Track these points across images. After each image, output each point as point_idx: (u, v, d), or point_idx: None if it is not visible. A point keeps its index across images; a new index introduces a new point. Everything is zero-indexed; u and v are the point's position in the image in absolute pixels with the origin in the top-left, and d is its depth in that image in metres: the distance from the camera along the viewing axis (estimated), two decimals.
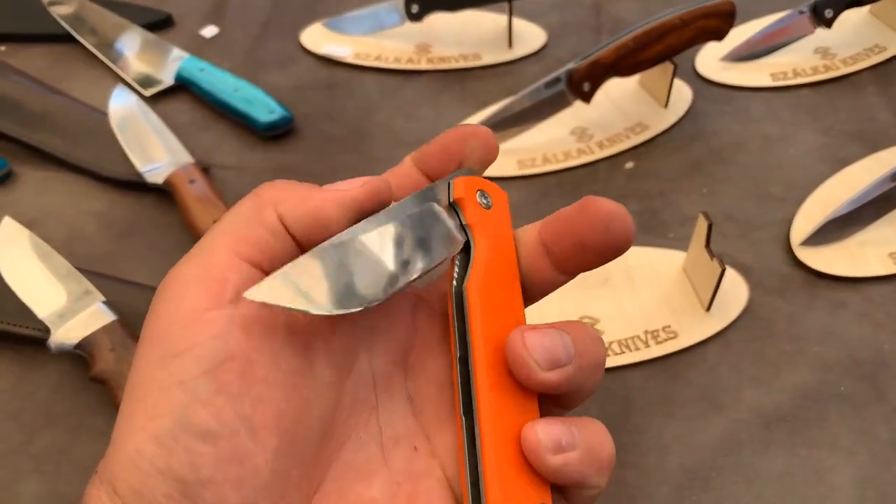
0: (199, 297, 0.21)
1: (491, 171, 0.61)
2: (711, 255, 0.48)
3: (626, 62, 0.60)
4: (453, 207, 0.26)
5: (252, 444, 0.20)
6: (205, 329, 0.20)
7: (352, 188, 0.24)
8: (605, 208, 0.24)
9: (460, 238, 0.26)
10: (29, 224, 0.55)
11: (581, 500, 0.23)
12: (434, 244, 0.25)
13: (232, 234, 0.22)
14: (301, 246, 0.23)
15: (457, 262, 0.26)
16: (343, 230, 0.23)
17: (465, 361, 0.24)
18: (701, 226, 0.49)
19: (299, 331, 0.22)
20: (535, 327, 0.24)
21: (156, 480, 0.20)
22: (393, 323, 0.26)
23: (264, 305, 0.21)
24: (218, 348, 0.20)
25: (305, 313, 0.21)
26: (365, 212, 0.24)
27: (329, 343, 0.23)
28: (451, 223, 0.26)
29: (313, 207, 0.23)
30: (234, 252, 0.22)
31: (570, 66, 0.60)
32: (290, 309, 0.21)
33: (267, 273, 0.22)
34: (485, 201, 0.27)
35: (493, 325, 0.24)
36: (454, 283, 0.25)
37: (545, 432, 0.22)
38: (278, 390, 0.21)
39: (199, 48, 0.74)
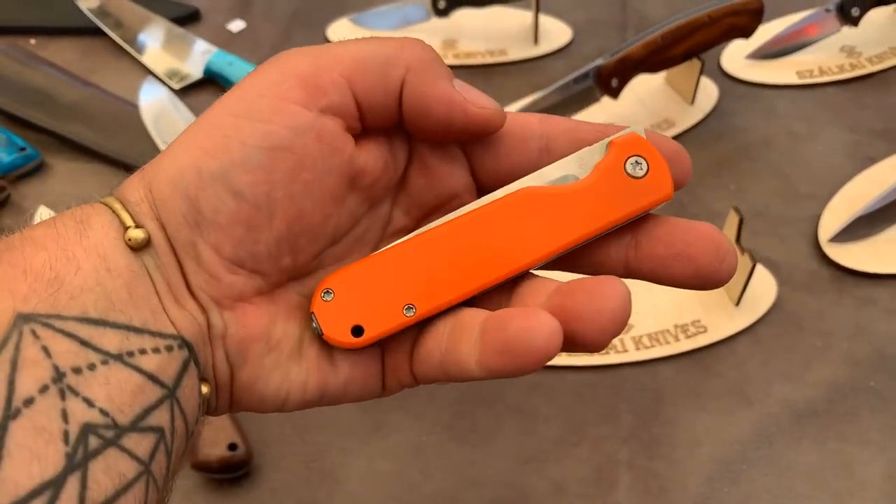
0: (295, 90, 0.23)
1: None
2: (742, 249, 0.48)
3: (654, 59, 0.60)
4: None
5: (265, 222, 0.23)
6: (287, 117, 0.22)
7: (486, 110, 0.24)
8: (726, 245, 0.24)
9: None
10: None
11: None
12: None
13: (356, 63, 0.23)
14: (398, 118, 0.24)
15: None
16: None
17: None
18: (732, 221, 0.49)
19: (356, 165, 0.24)
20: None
21: (181, 202, 0.22)
22: (429, 187, 0.26)
23: (345, 135, 0.23)
24: (286, 137, 0.22)
25: None
26: (477, 136, 0.24)
27: (371, 184, 0.24)
28: None
29: (440, 101, 0.23)
30: (347, 78, 0.23)
31: (599, 61, 0.60)
32: None
33: (361, 113, 0.23)
34: (636, 171, 0.24)
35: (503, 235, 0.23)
36: None
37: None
38: (309, 198, 0.23)
39: (226, 42, 0.75)
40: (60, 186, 0.62)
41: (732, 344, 0.50)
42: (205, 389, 0.23)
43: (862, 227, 0.54)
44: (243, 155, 0.22)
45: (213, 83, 0.70)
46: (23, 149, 0.62)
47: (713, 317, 0.50)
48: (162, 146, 0.61)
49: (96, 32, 0.76)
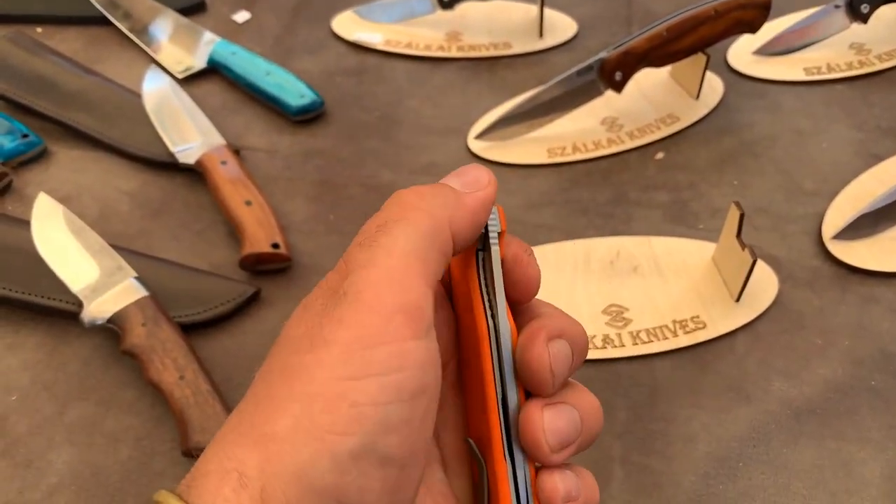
0: (404, 328, 0.21)
1: (520, 159, 0.61)
2: (742, 245, 0.48)
3: (659, 52, 0.60)
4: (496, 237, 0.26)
5: (409, 478, 0.21)
6: (409, 358, 0.21)
7: (486, 189, 0.25)
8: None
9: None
10: (63, 201, 0.56)
11: None
12: None
13: (420, 259, 0.22)
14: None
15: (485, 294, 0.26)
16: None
17: (505, 405, 0.24)
18: (733, 215, 0.48)
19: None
20: (550, 404, 0.24)
21: (316, 499, 0.19)
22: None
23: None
24: (420, 379, 0.21)
25: None
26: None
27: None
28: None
29: (473, 216, 0.24)
30: (426, 282, 0.22)
31: (603, 54, 0.60)
32: None
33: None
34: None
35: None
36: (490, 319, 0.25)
37: (563, 482, 0.24)
38: (432, 421, 0.22)
39: (231, 33, 0.75)
40: (62, 174, 0.62)
41: (731, 340, 0.49)
42: None
43: (866, 224, 0.53)
44: (383, 417, 0.20)
45: (216, 73, 0.70)
46: (25, 136, 0.62)
47: (712, 313, 0.50)
48: (162, 134, 0.61)
49: (102, 22, 0.76)
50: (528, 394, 0.25)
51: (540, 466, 0.25)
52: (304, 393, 0.20)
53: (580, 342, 0.25)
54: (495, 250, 0.25)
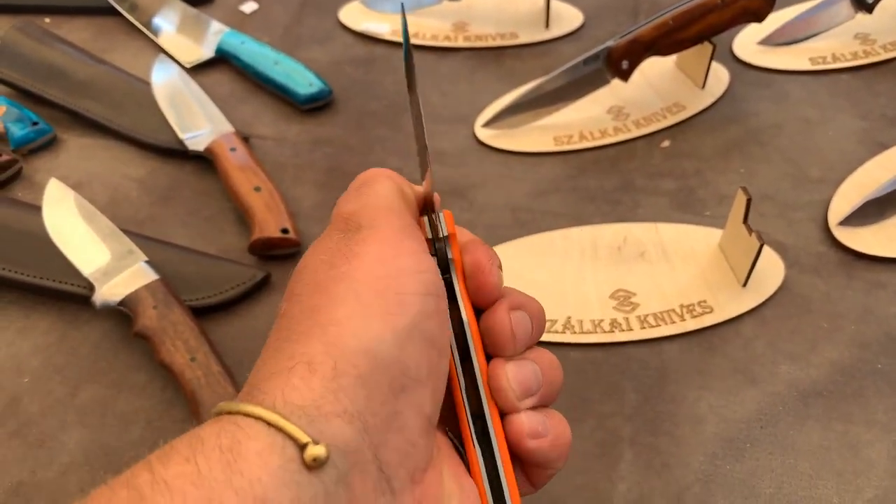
0: (416, 242, 0.25)
1: (527, 147, 0.62)
2: (749, 230, 0.48)
3: (665, 41, 0.60)
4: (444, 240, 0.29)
5: (441, 365, 0.24)
6: (428, 263, 0.25)
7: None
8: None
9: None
10: (73, 188, 0.56)
11: (542, 479, 0.28)
12: None
13: (400, 198, 0.28)
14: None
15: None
16: None
17: (474, 388, 0.27)
18: (739, 201, 0.49)
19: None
20: (513, 359, 0.27)
21: (386, 371, 0.21)
22: None
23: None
24: (434, 281, 0.25)
25: None
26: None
27: None
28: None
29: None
30: (411, 214, 0.28)
31: (609, 43, 0.60)
32: None
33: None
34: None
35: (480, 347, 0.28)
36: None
37: (528, 420, 0.26)
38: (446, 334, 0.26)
39: (238, 23, 0.75)
40: (72, 161, 0.62)
41: (738, 325, 0.49)
42: None
43: (872, 210, 0.53)
44: (423, 304, 0.23)
45: (224, 62, 0.71)
46: (35, 123, 0.63)
47: (720, 297, 0.50)
48: (171, 121, 0.61)
49: (110, 12, 0.76)
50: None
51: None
52: (351, 289, 0.23)
53: (538, 315, 0.28)
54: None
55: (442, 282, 0.26)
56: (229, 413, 0.20)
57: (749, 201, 0.48)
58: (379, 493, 0.20)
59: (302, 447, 0.19)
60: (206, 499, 0.17)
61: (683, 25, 0.60)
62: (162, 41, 0.73)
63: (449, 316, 0.26)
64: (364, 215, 0.26)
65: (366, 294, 0.23)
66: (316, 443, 0.19)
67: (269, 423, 0.19)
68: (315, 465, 0.19)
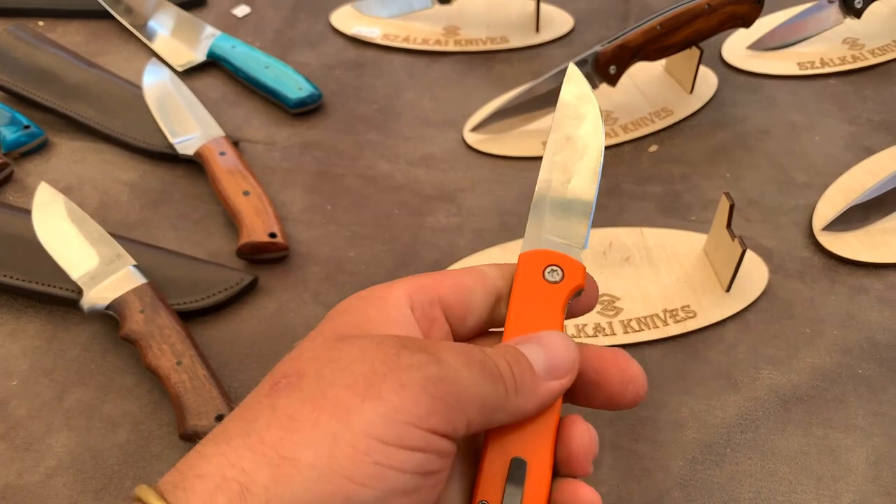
0: (440, 422, 0.22)
1: (515, 151, 0.62)
2: (732, 235, 0.48)
3: (653, 46, 0.60)
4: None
5: None
6: (435, 446, 0.23)
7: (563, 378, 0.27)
8: (633, 371, 0.27)
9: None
10: (64, 191, 0.57)
11: None
12: None
13: (475, 394, 0.24)
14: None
15: None
16: None
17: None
18: (723, 206, 0.49)
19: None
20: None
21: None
22: None
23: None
24: (437, 464, 0.23)
25: None
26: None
27: None
28: None
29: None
30: (472, 406, 0.24)
31: (598, 48, 0.60)
32: None
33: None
34: (553, 277, 0.29)
35: None
36: None
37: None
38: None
39: (230, 27, 0.75)
40: (63, 164, 0.63)
41: (721, 329, 0.50)
42: None
43: (856, 216, 0.54)
44: (402, 483, 0.21)
45: (216, 66, 0.71)
46: (27, 127, 0.63)
47: (703, 302, 0.50)
48: (162, 125, 0.62)
49: (103, 16, 0.77)
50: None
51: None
52: (334, 433, 0.20)
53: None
54: None
55: (448, 460, 0.23)
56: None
57: (732, 207, 0.48)
58: None
59: None
60: None
61: (671, 31, 0.60)
62: (155, 45, 0.73)
63: (440, 488, 0.23)
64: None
65: (345, 448, 0.20)
66: None
67: None
68: None
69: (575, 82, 0.32)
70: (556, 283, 0.28)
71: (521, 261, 0.29)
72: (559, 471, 0.27)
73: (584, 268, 0.29)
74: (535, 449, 0.26)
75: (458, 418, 0.22)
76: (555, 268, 0.29)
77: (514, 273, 0.29)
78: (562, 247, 0.29)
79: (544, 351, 0.26)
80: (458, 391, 0.22)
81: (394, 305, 0.26)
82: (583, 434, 0.27)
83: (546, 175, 0.31)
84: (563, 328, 0.28)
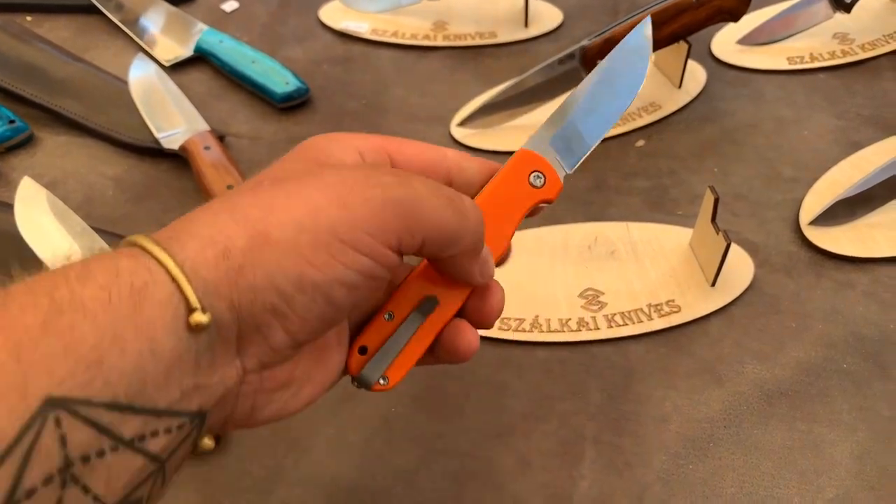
0: (393, 238, 0.26)
1: (502, 146, 0.62)
2: (717, 229, 0.48)
3: None
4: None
5: (340, 318, 0.27)
6: (384, 258, 0.26)
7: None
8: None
9: None
10: (48, 186, 0.56)
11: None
12: None
13: (437, 229, 0.27)
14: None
15: None
16: None
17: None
18: (708, 200, 0.49)
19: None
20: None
21: (275, 296, 0.23)
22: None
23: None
24: (379, 272, 0.26)
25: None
26: None
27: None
28: None
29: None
30: (424, 236, 0.27)
31: (585, 42, 0.60)
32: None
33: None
34: (537, 182, 0.32)
35: None
36: None
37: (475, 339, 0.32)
38: (370, 300, 0.31)
39: (219, 22, 0.75)
40: (48, 159, 0.63)
41: (706, 324, 0.49)
42: (208, 443, 0.25)
43: (843, 210, 0.53)
44: (345, 276, 0.24)
45: (203, 61, 0.71)
46: (12, 122, 0.63)
47: (688, 297, 0.50)
48: (147, 120, 0.62)
49: (91, 11, 0.76)
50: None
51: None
52: (302, 223, 0.24)
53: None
54: None
55: (388, 275, 0.26)
56: (143, 249, 0.22)
57: (717, 201, 0.48)
58: (230, 364, 0.24)
59: (191, 310, 0.22)
60: (112, 326, 0.20)
61: (658, 25, 0.59)
62: (142, 40, 0.73)
63: (373, 298, 0.29)
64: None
65: (308, 236, 0.24)
66: (203, 312, 0.22)
67: (173, 278, 0.21)
68: (195, 329, 0.22)
69: (643, 34, 0.35)
70: (535, 187, 0.32)
71: (520, 154, 0.33)
72: (465, 317, 0.31)
73: (562, 187, 0.33)
74: (450, 296, 0.31)
75: (411, 239, 0.26)
76: (540, 174, 0.32)
77: (495, 171, 0.32)
78: (555, 162, 0.33)
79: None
80: (418, 215, 0.25)
81: (353, 149, 0.30)
82: (499, 298, 0.31)
83: (579, 95, 0.34)
84: (514, 230, 0.32)
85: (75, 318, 0.19)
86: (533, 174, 0.32)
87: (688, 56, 0.62)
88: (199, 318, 0.21)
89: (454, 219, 0.26)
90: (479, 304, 0.31)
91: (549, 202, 0.33)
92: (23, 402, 0.18)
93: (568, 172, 0.33)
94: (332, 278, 0.24)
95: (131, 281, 0.21)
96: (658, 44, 0.61)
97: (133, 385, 0.20)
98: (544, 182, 0.32)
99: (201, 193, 0.58)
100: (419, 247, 0.26)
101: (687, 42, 0.61)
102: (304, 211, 0.24)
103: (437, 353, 0.31)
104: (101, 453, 0.20)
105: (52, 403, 0.18)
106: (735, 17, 0.61)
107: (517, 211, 0.32)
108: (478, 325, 0.31)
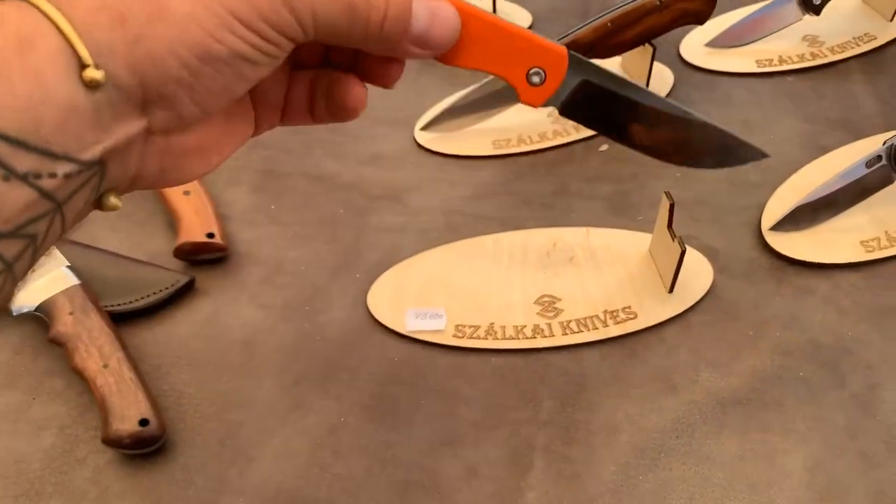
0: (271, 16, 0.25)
1: (466, 150, 0.61)
2: (673, 235, 0.47)
3: (604, 43, 0.59)
4: None
5: (242, 88, 0.27)
6: (266, 30, 0.25)
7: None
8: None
9: None
10: None
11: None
12: None
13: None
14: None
15: None
16: None
17: None
18: (664, 206, 0.48)
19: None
20: None
21: (179, 68, 0.24)
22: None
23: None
24: (263, 46, 0.26)
25: None
26: None
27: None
28: None
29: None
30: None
31: None
32: None
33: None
34: (536, 79, 0.31)
35: None
36: None
37: None
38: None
39: None
40: None
41: (662, 331, 0.49)
42: (112, 200, 0.26)
43: (804, 215, 0.53)
44: (246, 53, 0.25)
45: None
46: None
47: (645, 303, 0.49)
48: None
49: None
50: None
51: None
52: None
53: None
54: None
55: (281, 55, 0.26)
56: (29, 2, 0.22)
57: (672, 206, 0.47)
58: (134, 123, 0.24)
59: (84, 66, 0.22)
60: None
61: (622, 28, 0.59)
62: None
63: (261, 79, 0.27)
64: None
65: (206, 11, 0.24)
66: (97, 68, 0.22)
67: (62, 32, 0.22)
68: (91, 86, 0.22)
69: None
70: (535, 85, 0.32)
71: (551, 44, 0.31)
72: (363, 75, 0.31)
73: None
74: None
75: (300, 29, 0.25)
76: (539, 70, 0.31)
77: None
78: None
79: (431, 18, 0.28)
80: (312, 9, 0.25)
81: None
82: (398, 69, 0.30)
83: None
84: None
85: None
86: (533, 71, 0.31)
87: (653, 59, 0.61)
88: (93, 73, 0.22)
89: (348, 23, 0.26)
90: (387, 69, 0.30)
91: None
92: None
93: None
94: (234, 53, 0.24)
95: (17, 30, 0.21)
96: (622, 46, 0.60)
97: (25, 123, 0.21)
98: (544, 77, 0.32)
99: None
100: (310, 35, 0.26)
101: (652, 45, 0.61)
102: None
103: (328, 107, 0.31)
104: None
105: None
106: (700, 19, 0.60)
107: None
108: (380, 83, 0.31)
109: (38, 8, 0.22)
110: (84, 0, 0.23)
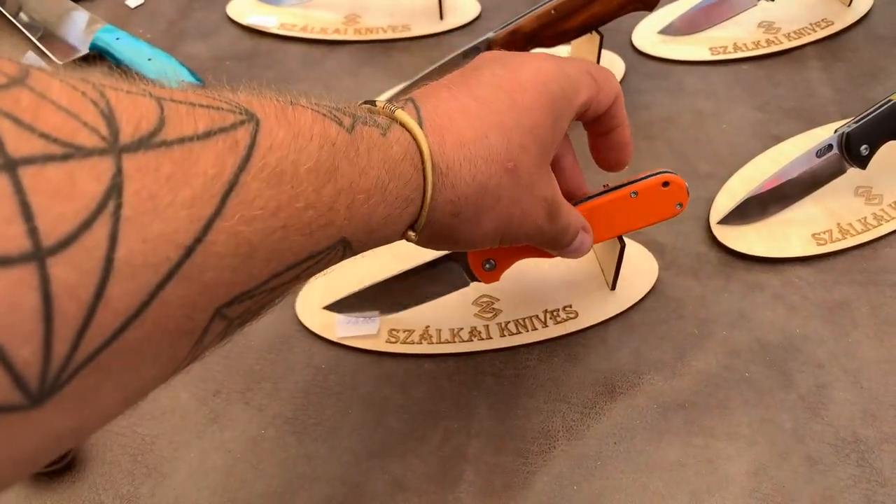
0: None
1: None
2: None
3: (548, 32, 0.57)
4: None
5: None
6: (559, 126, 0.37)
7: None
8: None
9: None
10: None
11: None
12: None
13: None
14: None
15: None
16: None
17: None
18: None
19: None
20: None
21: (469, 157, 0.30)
22: None
23: None
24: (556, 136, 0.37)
25: None
26: None
27: None
28: None
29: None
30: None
31: (490, 35, 0.57)
32: None
33: None
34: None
35: None
36: None
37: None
38: None
39: (123, 18, 0.71)
40: None
41: (604, 331, 0.46)
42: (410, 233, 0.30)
43: (754, 208, 0.51)
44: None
45: (100, 59, 0.67)
46: None
47: (586, 302, 0.47)
48: None
49: None
50: None
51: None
52: (504, 104, 0.32)
53: None
54: None
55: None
56: (402, 125, 0.29)
57: None
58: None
59: (411, 226, 0.29)
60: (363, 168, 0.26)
61: (567, 15, 0.56)
62: (35, 37, 0.69)
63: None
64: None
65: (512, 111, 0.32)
66: (416, 234, 0.29)
67: (424, 191, 0.28)
68: (406, 239, 0.29)
69: None
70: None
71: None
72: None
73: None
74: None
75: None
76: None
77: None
78: None
79: (579, 248, 0.39)
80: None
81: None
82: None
83: None
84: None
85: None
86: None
87: (601, 47, 0.59)
88: (411, 235, 0.29)
89: (553, 234, 0.36)
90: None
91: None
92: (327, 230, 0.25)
93: None
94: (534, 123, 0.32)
95: (404, 155, 0.27)
96: (568, 35, 0.58)
97: (360, 237, 0.26)
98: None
99: None
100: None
101: (599, 33, 0.58)
102: (491, 109, 0.31)
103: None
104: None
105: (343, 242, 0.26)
106: (648, 6, 0.58)
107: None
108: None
109: (402, 125, 0.29)
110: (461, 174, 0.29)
